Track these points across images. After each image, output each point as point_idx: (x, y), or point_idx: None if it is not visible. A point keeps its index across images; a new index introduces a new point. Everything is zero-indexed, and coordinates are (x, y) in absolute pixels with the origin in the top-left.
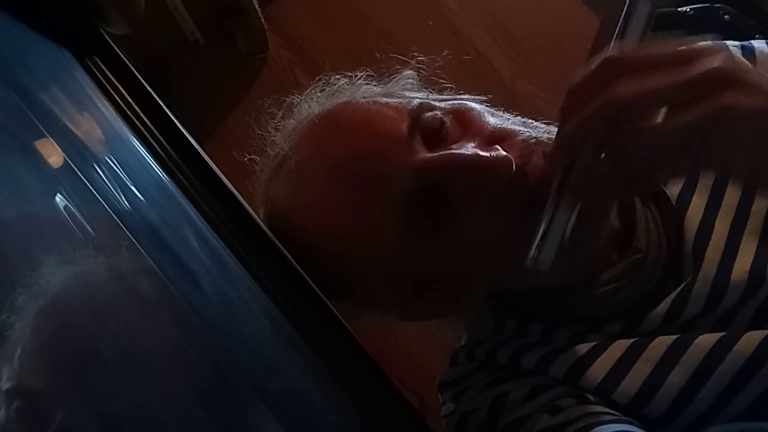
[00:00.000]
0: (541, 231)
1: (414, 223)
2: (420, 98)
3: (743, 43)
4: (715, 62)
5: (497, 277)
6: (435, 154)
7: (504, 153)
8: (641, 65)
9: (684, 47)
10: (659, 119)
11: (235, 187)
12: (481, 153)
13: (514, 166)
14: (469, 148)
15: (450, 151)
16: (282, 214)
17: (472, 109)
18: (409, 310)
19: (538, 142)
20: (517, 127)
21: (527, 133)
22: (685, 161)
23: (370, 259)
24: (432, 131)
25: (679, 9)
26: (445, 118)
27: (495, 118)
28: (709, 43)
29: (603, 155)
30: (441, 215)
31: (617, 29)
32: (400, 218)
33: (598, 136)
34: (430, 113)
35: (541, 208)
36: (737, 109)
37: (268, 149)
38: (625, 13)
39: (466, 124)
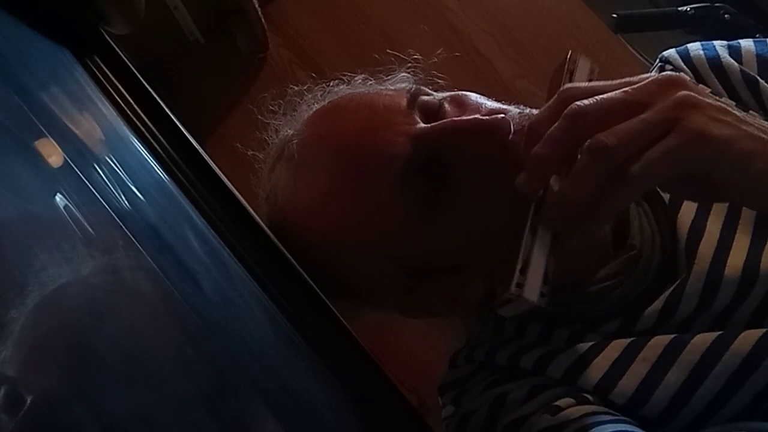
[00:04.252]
0: (520, 262)
1: (414, 195)
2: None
3: (730, 42)
4: (662, 74)
5: (495, 263)
6: (434, 123)
7: (502, 115)
8: (591, 92)
9: (626, 78)
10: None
11: (236, 184)
12: (480, 117)
13: (512, 128)
14: (468, 116)
15: (450, 119)
16: (283, 195)
17: (468, 95)
18: (408, 302)
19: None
20: (513, 108)
21: (522, 110)
22: (656, 158)
23: (370, 238)
24: (430, 110)
25: (679, 9)
26: (443, 101)
27: (492, 102)
28: (648, 74)
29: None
30: (440, 185)
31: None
32: (399, 189)
33: (565, 159)
34: (427, 96)
35: (520, 235)
36: (696, 98)
37: (270, 146)
38: (567, 69)
39: (463, 105)
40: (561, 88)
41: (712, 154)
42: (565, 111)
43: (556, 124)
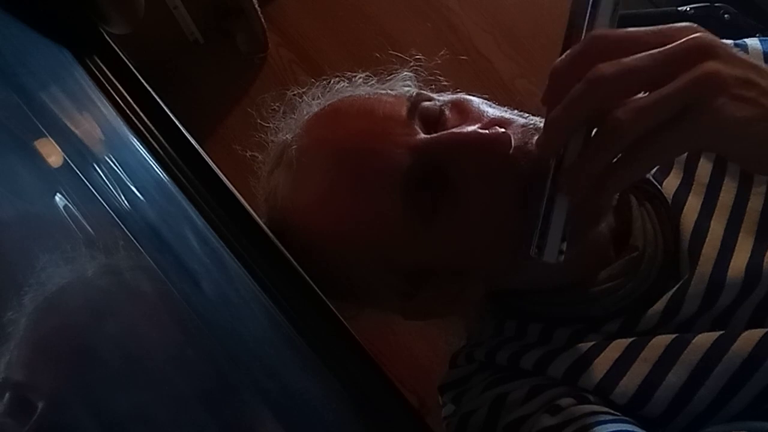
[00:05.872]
0: (540, 224)
1: (414, 203)
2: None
3: (737, 41)
4: (692, 36)
5: (496, 268)
6: (434, 134)
7: (503, 130)
8: (621, 43)
9: (660, 27)
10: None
11: (235, 185)
12: (481, 130)
13: (513, 143)
14: (468, 128)
15: (449, 131)
16: (282, 200)
17: (470, 100)
18: (409, 305)
19: (537, 128)
20: (515, 117)
21: (526, 121)
22: (670, 138)
23: (370, 245)
24: (431, 117)
25: (679, 8)
26: (443, 107)
27: (493, 109)
28: (684, 24)
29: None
30: (441, 195)
31: (586, 24)
32: (399, 198)
33: (584, 123)
34: (428, 102)
35: (539, 197)
36: (720, 74)
37: (269, 147)
38: (591, 6)
39: (464, 113)
40: (590, 34)
41: (727, 140)
42: (588, 74)
43: (577, 86)
